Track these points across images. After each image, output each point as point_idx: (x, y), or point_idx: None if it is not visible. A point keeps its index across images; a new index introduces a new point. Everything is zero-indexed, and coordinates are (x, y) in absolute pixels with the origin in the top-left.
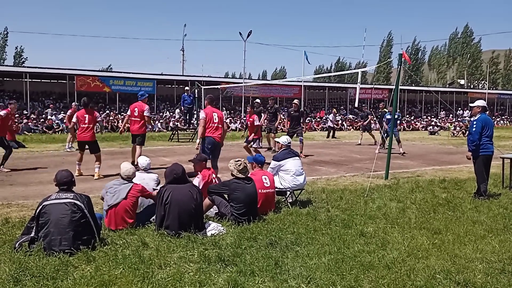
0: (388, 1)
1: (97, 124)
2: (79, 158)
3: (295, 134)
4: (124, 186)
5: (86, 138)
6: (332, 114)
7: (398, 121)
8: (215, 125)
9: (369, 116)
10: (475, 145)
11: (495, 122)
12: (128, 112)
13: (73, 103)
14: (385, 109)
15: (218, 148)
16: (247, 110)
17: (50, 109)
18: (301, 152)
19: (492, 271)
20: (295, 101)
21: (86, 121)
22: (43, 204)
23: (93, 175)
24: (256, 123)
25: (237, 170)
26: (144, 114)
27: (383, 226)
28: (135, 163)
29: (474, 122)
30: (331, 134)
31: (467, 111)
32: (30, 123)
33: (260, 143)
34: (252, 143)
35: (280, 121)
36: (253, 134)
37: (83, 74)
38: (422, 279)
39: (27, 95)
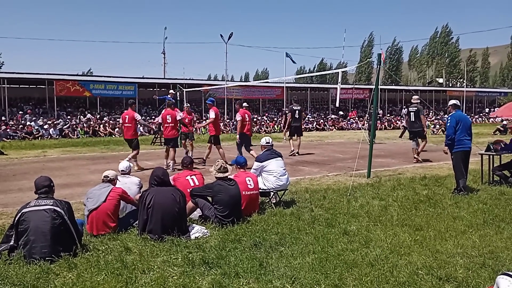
0: (368, 3)
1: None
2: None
3: None
4: (104, 190)
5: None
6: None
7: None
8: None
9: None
10: (450, 139)
11: (473, 120)
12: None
13: (185, 105)
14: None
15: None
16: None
17: (28, 115)
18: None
19: (473, 266)
20: (414, 97)
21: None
22: (22, 211)
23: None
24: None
25: (215, 170)
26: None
27: (365, 224)
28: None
29: (449, 118)
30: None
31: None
32: (8, 130)
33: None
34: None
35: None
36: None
37: (63, 79)
38: (405, 275)
39: (5, 101)
